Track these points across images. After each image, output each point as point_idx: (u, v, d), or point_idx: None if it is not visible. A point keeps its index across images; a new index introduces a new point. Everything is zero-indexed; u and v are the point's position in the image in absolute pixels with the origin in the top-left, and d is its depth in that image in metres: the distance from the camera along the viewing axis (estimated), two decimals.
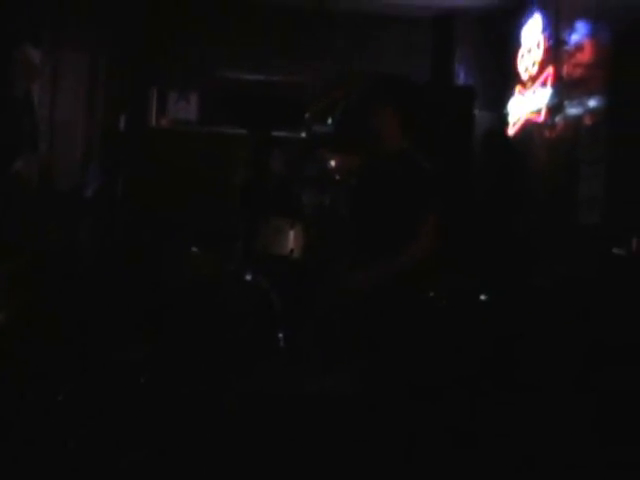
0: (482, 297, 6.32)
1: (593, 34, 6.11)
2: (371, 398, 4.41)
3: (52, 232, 6.65)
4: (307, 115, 9.30)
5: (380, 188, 4.57)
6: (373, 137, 4.63)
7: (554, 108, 6.68)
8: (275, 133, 8.99)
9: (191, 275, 6.84)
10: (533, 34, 7.19)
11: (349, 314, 4.60)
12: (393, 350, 4.38)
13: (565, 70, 6.53)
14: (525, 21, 7.39)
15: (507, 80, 7.65)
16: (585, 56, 6.20)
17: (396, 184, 4.49)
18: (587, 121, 6.11)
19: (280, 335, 6.48)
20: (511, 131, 7.52)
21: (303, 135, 9.31)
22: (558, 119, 6.59)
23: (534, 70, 7.09)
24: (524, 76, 7.30)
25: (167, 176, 8.57)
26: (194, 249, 7.12)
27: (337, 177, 6.22)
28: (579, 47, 6.30)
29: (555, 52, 6.76)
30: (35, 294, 5.80)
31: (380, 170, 4.61)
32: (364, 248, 4.60)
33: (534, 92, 7.03)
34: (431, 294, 4.98)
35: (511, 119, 7.53)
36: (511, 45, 7.62)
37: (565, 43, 6.54)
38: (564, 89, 6.54)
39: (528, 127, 7.20)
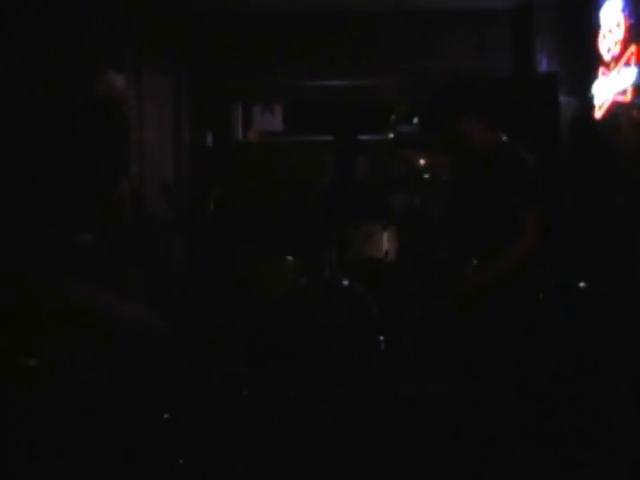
0: (581, 285, 6.23)
1: None
2: (471, 402, 4.36)
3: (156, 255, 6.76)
4: (392, 116, 9.32)
5: (483, 185, 4.44)
6: (463, 140, 4.56)
7: None
8: (362, 137, 9.02)
9: (288, 284, 6.88)
10: (612, 14, 7.07)
11: (453, 316, 4.55)
12: (499, 351, 4.29)
13: None
14: (603, 2, 7.28)
15: (590, 63, 7.52)
16: None
17: (500, 179, 4.36)
18: None
19: (381, 338, 6.48)
20: (598, 114, 7.40)
21: (391, 136, 9.32)
22: None
23: (616, 50, 6.97)
24: (607, 57, 7.17)
25: (257, 188, 8.64)
26: (289, 258, 7.17)
27: (426, 176, 6.15)
28: None
29: (637, 30, 6.63)
30: None
31: (481, 166, 4.48)
32: (467, 247, 4.50)
33: (618, 72, 6.91)
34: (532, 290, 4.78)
35: (597, 102, 7.40)
36: (591, 27, 7.49)
37: None
38: None
39: (615, 109, 7.07)
